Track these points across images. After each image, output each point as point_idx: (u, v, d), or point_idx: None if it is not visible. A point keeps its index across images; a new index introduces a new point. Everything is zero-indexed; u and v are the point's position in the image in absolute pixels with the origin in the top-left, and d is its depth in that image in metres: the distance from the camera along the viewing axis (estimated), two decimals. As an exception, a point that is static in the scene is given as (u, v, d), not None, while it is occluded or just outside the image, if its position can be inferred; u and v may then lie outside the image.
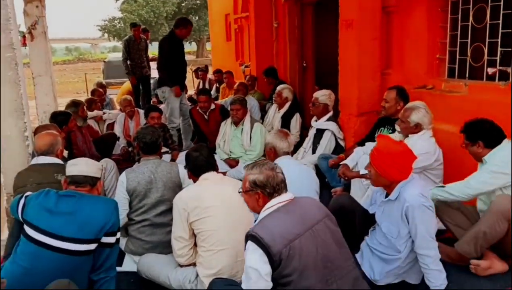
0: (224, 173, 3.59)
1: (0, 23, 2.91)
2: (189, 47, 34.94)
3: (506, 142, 2.43)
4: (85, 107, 4.74)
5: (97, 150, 4.37)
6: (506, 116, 2.66)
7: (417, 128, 2.86)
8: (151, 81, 7.24)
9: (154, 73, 6.23)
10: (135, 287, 2.54)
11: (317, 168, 3.69)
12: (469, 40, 3.31)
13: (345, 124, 3.99)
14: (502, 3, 3.01)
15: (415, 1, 3.60)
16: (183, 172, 2.76)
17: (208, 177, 2.36)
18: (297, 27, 5.78)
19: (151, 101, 6.95)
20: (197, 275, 2.27)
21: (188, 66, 6.42)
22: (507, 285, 2.34)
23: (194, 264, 2.33)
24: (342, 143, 3.94)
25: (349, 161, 3.22)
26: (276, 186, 1.84)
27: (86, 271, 2.01)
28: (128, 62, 6.84)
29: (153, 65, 6.52)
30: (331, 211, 1.94)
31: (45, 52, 5.02)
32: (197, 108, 4.82)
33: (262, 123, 4.76)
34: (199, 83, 8.09)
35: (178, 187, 2.71)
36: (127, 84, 7.82)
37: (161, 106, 5.30)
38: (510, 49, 2.97)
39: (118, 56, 15.08)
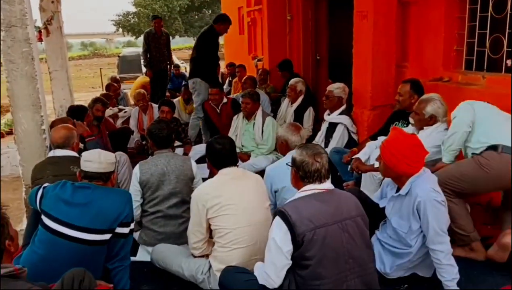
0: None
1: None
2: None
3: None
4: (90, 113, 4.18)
5: (112, 144, 4.43)
6: (525, 109, 2.59)
7: (432, 120, 2.81)
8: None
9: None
10: (148, 276, 2.60)
11: (330, 162, 3.66)
12: (488, 31, 3.22)
13: (358, 118, 3.94)
14: (523, -8, 2.92)
15: (431, -9, 3.53)
16: (195, 166, 2.79)
17: (228, 173, 2.29)
18: (311, 20, 5.72)
19: (165, 96, 6.92)
20: (210, 266, 2.29)
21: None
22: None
23: (207, 256, 2.35)
24: (355, 137, 3.89)
25: (362, 155, 3.18)
26: (308, 173, 1.86)
27: (100, 260, 2.07)
28: (148, 55, 6.71)
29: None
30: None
31: (60, 47, 5.10)
32: (209, 101, 4.85)
33: (274, 117, 4.75)
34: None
35: (191, 180, 2.74)
36: (141, 78, 7.89)
37: (174, 100, 5.34)
38: (531, 40, 2.89)
39: (132, 50, 15.30)
